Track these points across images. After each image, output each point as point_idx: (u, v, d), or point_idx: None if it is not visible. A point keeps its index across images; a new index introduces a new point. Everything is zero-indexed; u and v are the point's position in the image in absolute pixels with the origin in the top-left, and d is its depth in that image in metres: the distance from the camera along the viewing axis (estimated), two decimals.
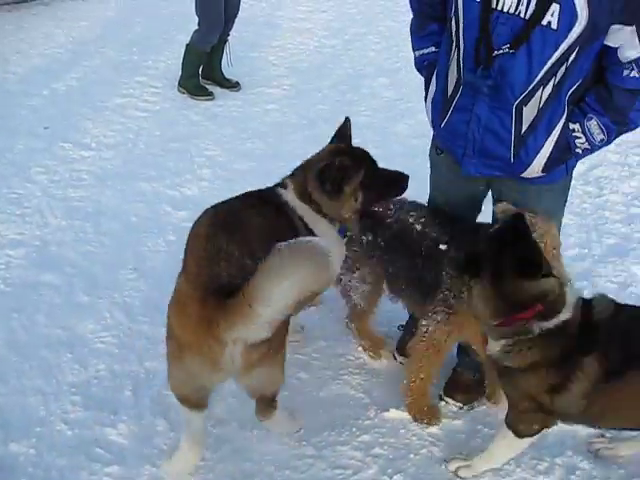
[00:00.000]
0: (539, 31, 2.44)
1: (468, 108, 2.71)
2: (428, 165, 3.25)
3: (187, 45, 6.31)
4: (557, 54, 2.46)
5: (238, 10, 6.43)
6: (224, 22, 6.21)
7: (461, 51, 2.67)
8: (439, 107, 2.88)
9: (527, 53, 2.49)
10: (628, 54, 2.46)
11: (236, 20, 6.48)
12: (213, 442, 3.00)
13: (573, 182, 4.74)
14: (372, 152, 5.64)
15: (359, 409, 3.21)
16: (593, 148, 2.69)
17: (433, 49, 2.94)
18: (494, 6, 2.50)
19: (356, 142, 5.76)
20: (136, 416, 3.13)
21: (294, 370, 3.38)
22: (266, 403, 2.85)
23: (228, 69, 6.70)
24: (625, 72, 2.50)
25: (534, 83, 2.53)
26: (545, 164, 2.71)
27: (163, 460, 2.90)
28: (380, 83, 7.02)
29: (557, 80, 2.53)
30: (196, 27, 6.22)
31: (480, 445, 3.04)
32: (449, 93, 2.79)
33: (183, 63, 6.42)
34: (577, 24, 2.39)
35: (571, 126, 2.64)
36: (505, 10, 2.48)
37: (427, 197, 3.29)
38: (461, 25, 2.63)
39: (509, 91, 2.58)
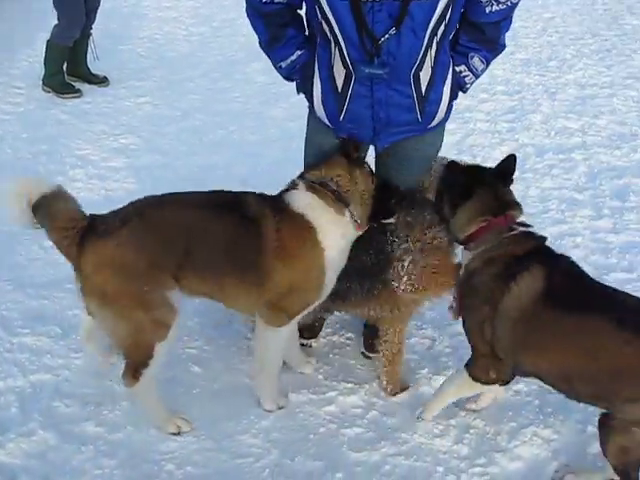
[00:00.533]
0: (416, 4, 2.58)
1: (367, 95, 2.83)
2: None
3: (48, 41, 6.05)
4: (435, 16, 2.64)
5: (99, 2, 6.23)
6: (85, 15, 5.99)
7: (343, 47, 2.74)
8: (333, 104, 2.94)
9: (411, 27, 2.63)
10: None
11: (99, 12, 6.27)
12: (108, 449, 2.94)
13: (447, 153, 4.92)
14: (249, 138, 5.70)
15: (254, 397, 3.20)
16: (477, 78, 3.03)
17: (299, 52, 2.97)
18: None
19: (232, 129, 5.81)
20: (26, 433, 3.00)
21: (186, 364, 3.35)
22: None
23: (95, 64, 6.48)
24: (487, 9, 2.79)
25: (423, 49, 2.70)
26: (446, 109, 3.00)
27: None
28: (253, 68, 6.98)
29: (439, 37, 2.74)
30: (56, 22, 5.98)
31: (375, 417, 3.12)
32: (340, 88, 2.87)
33: (45, 60, 6.16)
34: None
35: (457, 69, 2.95)
36: None
37: None
38: (334, 24, 2.69)
39: (405, 66, 2.74)
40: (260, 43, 3.03)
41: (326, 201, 2.91)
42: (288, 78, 3.08)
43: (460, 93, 3.10)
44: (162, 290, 2.80)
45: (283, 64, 3.00)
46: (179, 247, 2.79)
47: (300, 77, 3.03)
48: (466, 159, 5.25)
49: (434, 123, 3.00)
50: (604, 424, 2.65)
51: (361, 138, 2.99)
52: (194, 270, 2.85)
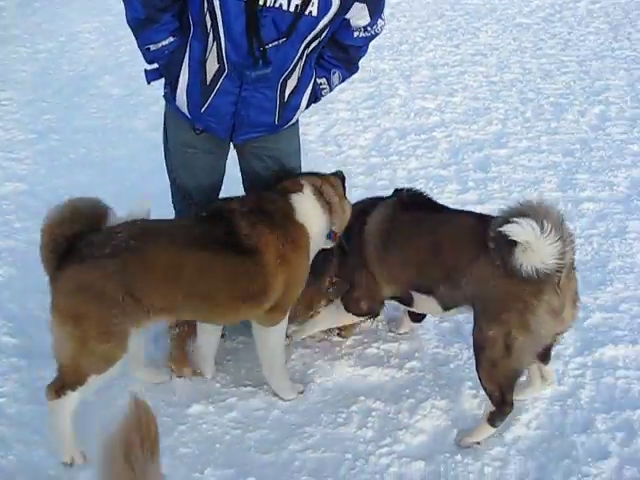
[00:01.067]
0: (304, 20, 2.79)
1: (234, 92, 2.95)
2: None
3: None
4: (314, 33, 2.87)
5: None
6: None
7: (223, 46, 2.83)
8: (198, 95, 2.98)
9: (293, 39, 2.84)
10: (359, 22, 3.00)
11: None
12: None
13: (313, 145, 5.01)
14: (113, 154, 5.53)
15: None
16: (330, 92, 3.29)
17: (171, 39, 2.94)
18: (261, 3, 2.71)
19: (93, 146, 5.62)
20: None
21: None
22: None
23: None
24: (355, 34, 3.06)
25: (296, 59, 2.92)
26: (299, 116, 3.24)
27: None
28: (107, 81, 6.80)
29: (310, 51, 2.96)
30: None
31: (278, 416, 3.14)
32: (208, 81, 2.93)
33: None
34: (332, 8, 2.83)
35: (319, 81, 3.17)
36: (269, 5, 2.73)
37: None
38: (220, 20, 2.77)
39: (277, 73, 2.92)
40: (130, 20, 2.95)
41: (323, 210, 3.11)
42: (151, 62, 3.04)
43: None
44: (129, 325, 2.78)
45: (152, 47, 2.97)
46: (171, 287, 2.80)
47: (165, 63, 3.01)
48: (332, 149, 5.46)
49: (286, 127, 3.20)
50: (474, 346, 2.99)
51: (217, 132, 3.09)
52: (186, 303, 2.88)
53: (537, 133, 5.92)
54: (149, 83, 3.12)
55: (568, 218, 4.56)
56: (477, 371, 3.01)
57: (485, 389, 3.00)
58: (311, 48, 2.95)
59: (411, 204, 3.25)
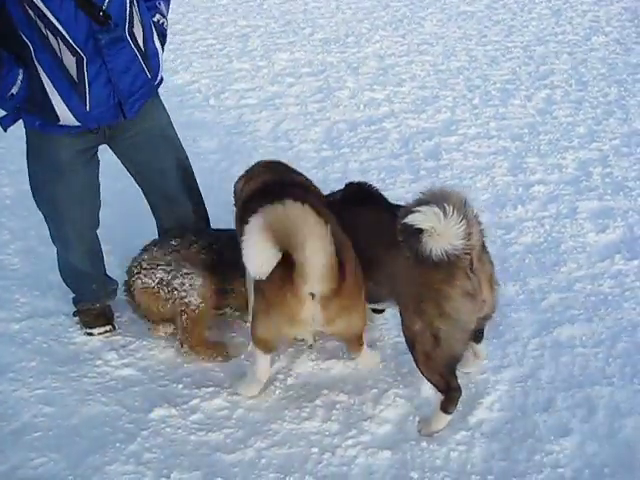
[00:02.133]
0: None
1: (101, 72, 2.96)
2: None
3: None
4: None
5: None
6: None
7: (65, 33, 2.82)
8: (76, 98, 2.96)
9: None
10: None
11: None
12: None
13: (264, 141, 4.99)
14: None
15: (117, 422, 3.10)
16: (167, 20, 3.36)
17: (21, 70, 2.90)
18: None
19: None
20: None
21: (38, 407, 3.17)
22: (354, 343, 3.24)
23: None
24: None
25: (127, 5, 2.97)
26: (161, 63, 3.27)
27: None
28: None
29: None
30: None
31: (242, 415, 3.12)
32: (76, 78, 2.92)
33: None
34: None
35: (155, 19, 3.24)
36: None
37: None
38: (50, 14, 2.77)
39: (120, 27, 2.95)
40: None
41: None
42: (14, 105, 2.97)
43: None
44: None
45: (15, 89, 2.90)
46: None
47: (26, 95, 2.94)
48: (283, 144, 5.44)
49: (161, 74, 3.29)
50: (406, 342, 3.03)
51: (110, 118, 3.11)
52: None
53: (486, 119, 5.98)
54: (6, 130, 3.11)
55: (520, 202, 4.70)
56: (416, 366, 3.02)
57: (429, 380, 3.02)
58: None
59: (352, 200, 3.27)
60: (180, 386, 3.30)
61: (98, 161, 3.39)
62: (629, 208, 4.74)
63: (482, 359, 3.35)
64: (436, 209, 2.60)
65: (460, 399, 3.03)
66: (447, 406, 3.01)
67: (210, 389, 3.27)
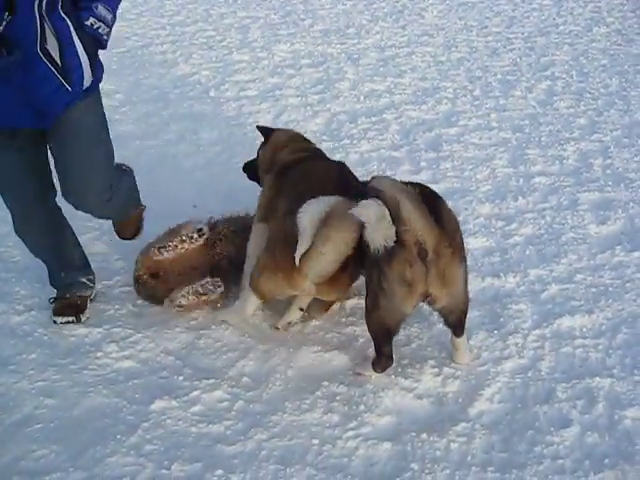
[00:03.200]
0: None
1: (7, 92, 2.89)
2: None
3: None
4: None
5: None
6: None
7: None
8: None
9: (21, 7, 2.75)
10: None
11: None
12: None
13: None
14: None
15: (117, 414, 3.10)
16: (111, 27, 3.11)
17: None
18: None
19: None
20: None
21: (38, 399, 3.16)
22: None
23: None
24: None
25: (37, 22, 2.80)
26: (90, 68, 3.06)
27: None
28: None
29: (44, 6, 2.82)
30: None
31: (242, 407, 3.12)
32: None
33: None
34: None
35: (88, 23, 2.99)
36: None
37: None
38: None
39: (29, 46, 2.82)
40: None
41: None
42: None
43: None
44: None
45: None
46: None
47: None
48: None
49: (87, 84, 3.07)
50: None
51: (25, 124, 3.07)
52: None
53: (486, 111, 5.97)
54: None
55: (520, 193, 4.70)
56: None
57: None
58: (45, 5, 2.82)
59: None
60: (181, 378, 3.29)
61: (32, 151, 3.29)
62: (630, 199, 4.74)
63: (463, 352, 3.34)
64: (373, 209, 2.91)
65: (460, 390, 3.05)
66: (375, 364, 3.26)
67: (211, 381, 3.26)
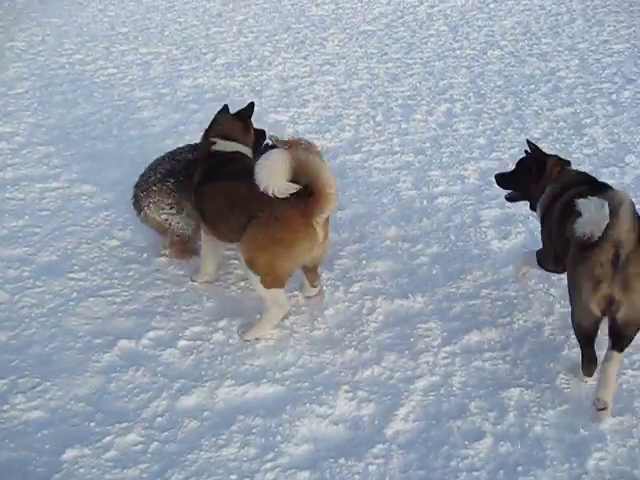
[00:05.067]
0: None
1: None
2: None
3: None
4: None
5: None
6: None
7: None
8: None
9: None
10: None
11: None
12: None
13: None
14: None
15: (26, 468, 2.97)
16: None
17: None
18: None
19: None
20: None
21: None
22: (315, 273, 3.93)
23: None
24: None
25: None
26: None
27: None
28: None
29: None
30: None
31: (157, 448, 3.06)
32: None
33: None
34: None
35: None
36: None
37: None
38: None
39: None
40: None
41: None
42: None
43: None
44: None
45: None
46: None
47: None
48: None
49: None
50: None
51: None
52: None
53: (389, 135, 6.11)
54: None
55: (425, 214, 4.82)
56: None
57: None
58: None
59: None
60: (92, 424, 3.21)
61: None
62: (529, 214, 4.86)
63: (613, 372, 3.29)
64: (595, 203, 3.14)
65: (375, 412, 3.09)
66: (582, 368, 3.39)
67: (124, 424, 3.19)
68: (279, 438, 3.12)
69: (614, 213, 3.06)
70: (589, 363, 3.35)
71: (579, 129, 6.45)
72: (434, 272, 4.27)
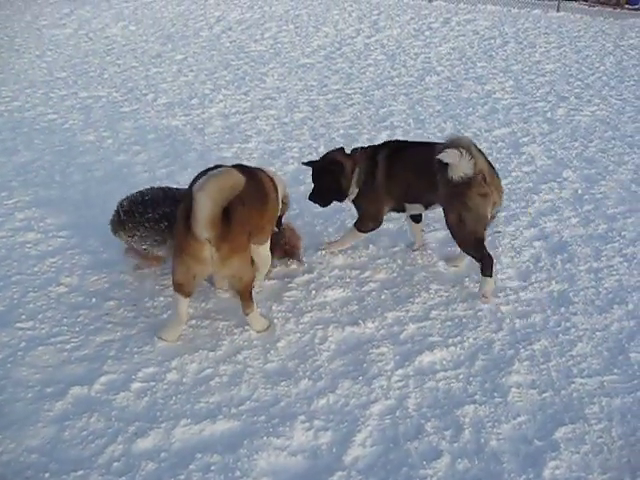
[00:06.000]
0: None
1: None
2: None
3: None
4: None
5: None
6: None
7: None
8: None
9: None
10: None
11: None
12: None
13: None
14: None
15: None
16: None
17: None
18: None
19: None
20: None
21: None
22: (245, 296, 3.95)
23: None
24: None
25: None
26: None
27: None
28: None
29: None
30: None
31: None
32: None
33: None
34: None
35: None
36: None
37: None
38: None
39: None
40: None
41: None
42: None
43: None
44: None
45: None
46: None
47: None
48: None
49: None
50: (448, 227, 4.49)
51: None
52: None
53: None
54: None
55: (371, 241, 4.89)
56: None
57: (467, 252, 4.41)
58: None
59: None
60: (47, 474, 3.11)
61: None
62: None
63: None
64: (455, 151, 4.06)
65: (333, 440, 3.10)
66: (485, 269, 4.31)
67: (79, 472, 3.11)
68: (238, 473, 3.10)
69: (469, 153, 4.07)
70: (490, 259, 4.32)
71: (517, 148, 6.65)
72: (383, 297, 4.33)
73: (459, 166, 4.08)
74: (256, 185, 3.97)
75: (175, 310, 3.93)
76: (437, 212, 5.24)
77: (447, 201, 4.31)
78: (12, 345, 3.90)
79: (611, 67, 9.64)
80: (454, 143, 4.13)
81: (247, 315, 3.99)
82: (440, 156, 4.10)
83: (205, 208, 3.46)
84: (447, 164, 4.12)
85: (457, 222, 4.27)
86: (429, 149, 4.33)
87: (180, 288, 3.83)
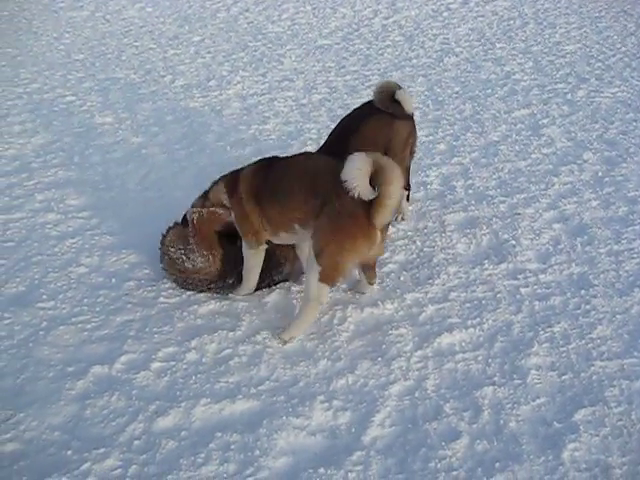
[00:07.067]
0: None
1: None
2: None
3: None
4: None
5: None
6: None
7: None
8: None
9: None
10: None
11: None
12: None
13: (132, 194, 4.88)
14: None
15: None
16: None
17: None
18: None
19: None
20: None
21: None
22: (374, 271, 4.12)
23: None
24: None
25: None
26: None
27: None
28: None
29: None
30: None
31: (137, 471, 3.05)
32: None
33: None
34: None
35: None
36: None
37: None
38: None
39: None
40: None
41: None
42: None
43: None
44: None
45: None
46: None
47: None
48: (152, 195, 5.40)
49: None
50: None
51: None
52: None
53: None
54: None
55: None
56: None
57: None
58: None
59: None
60: (69, 452, 3.18)
61: None
62: (492, 215, 5.01)
63: None
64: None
65: (352, 420, 3.11)
66: None
67: (101, 450, 3.17)
68: (258, 452, 3.13)
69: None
70: None
71: (537, 130, 6.58)
72: (402, 279, 4.33)
73: None
74: None
75: (314, 302, 3.80)
76: (456, 193, 5.24)
77: None
78: (34, 325, 3.94)
79: (633, 48, 9.48)
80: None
81: (373, 285, 4.17)
82: None
83: (398, 198, 3.59)
84: None
85: None
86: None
87: (341, 279, 3.84)
